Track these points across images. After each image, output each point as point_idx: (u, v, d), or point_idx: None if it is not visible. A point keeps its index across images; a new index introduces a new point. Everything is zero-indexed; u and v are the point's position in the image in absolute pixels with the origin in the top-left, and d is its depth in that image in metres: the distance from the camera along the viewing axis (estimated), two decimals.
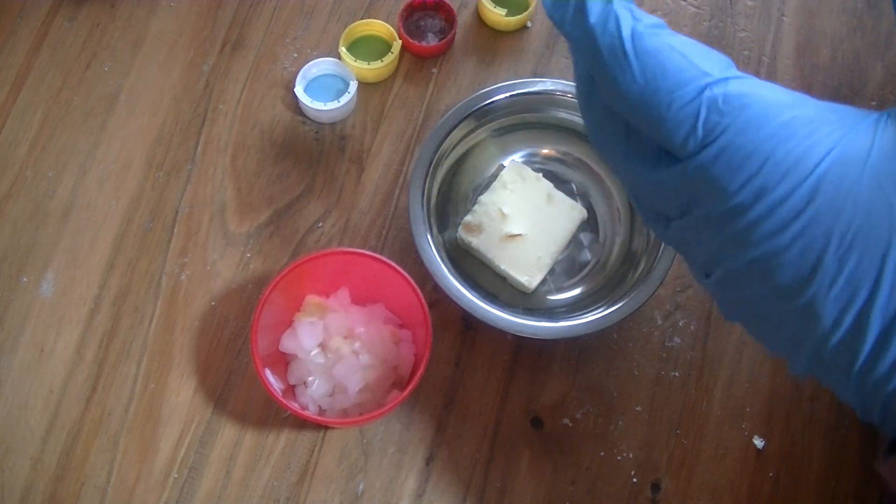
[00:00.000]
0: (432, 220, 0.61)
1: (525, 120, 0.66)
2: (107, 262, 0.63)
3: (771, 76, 0.70)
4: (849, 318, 0.35)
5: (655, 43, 0.36)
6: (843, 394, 0.37)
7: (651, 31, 0.37)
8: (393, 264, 0.56)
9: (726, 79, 0.36)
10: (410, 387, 0.54)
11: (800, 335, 0.37)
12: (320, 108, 0.65)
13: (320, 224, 0.65)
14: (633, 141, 0.39)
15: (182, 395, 0.60)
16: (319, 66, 0.68)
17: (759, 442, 0.60)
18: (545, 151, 0.67)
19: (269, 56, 0.70)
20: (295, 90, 0.66)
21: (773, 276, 0.36)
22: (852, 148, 0.34)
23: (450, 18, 0.70)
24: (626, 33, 0.36)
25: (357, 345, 0.57)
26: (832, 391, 0.38)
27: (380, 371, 0.57)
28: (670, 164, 0.38)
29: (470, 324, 0.62)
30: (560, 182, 0.65)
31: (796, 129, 0.35)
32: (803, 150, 0.34)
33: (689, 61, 0.36)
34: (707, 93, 0.36)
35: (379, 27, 0.69)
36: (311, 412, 0.56)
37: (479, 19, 0.72)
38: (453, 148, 0.64)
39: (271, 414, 0.60)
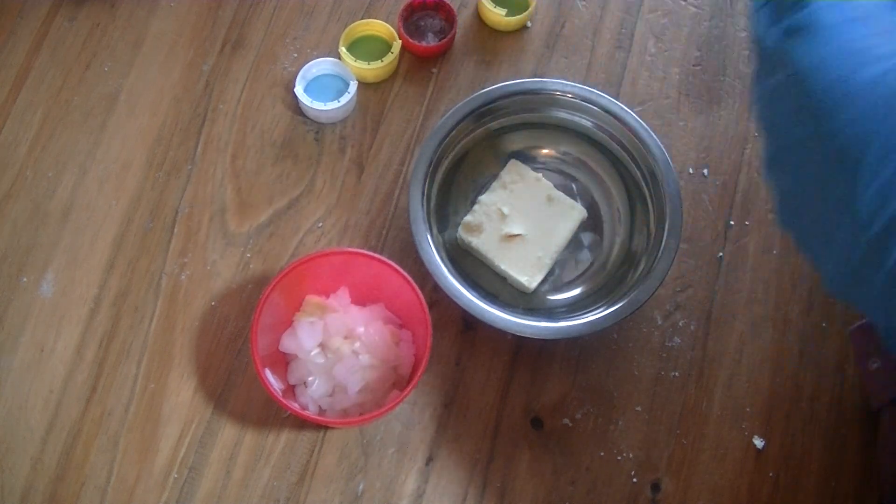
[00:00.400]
0: (432, 220, 0.61)
1: (525, 120, 0.66)
2: (107, 262, 0.63)
3: None
4: (882, 219, 0.36)
5: None
6: (869, 305, 0.39)
7: None
8: (393, 264, 0.56)
9: None
10: (410, 387, 0.54)
11: (837, 227, 0.38)
12: (320, 108, 0.65)
13: (320, 224, 0.65)
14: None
15: (182, 395, 0.60)
16: (319, 66, 0.68)
17: (759, 442, 0.60)
18: (545, 151, 0.67)
19: (269, 56, 0.70)
20: (295, 90, 0.66)
21: (820, 159, 0.38)
22: None
23: (450, 18, 0.70)
24: None
25: (357, 345, 0.57)
26: (855, 304, 0.40)
27: (380, 371, 0.57)
28: (771, 24, 0.40)
29: (470, 324, 0.62)
30: (560, 182, 0.65)
31: (875, 23, 0.37)
32: (873, 43, 0.36)
33: None
34: None
35: (379, 27, 0.69)
36: (311, 412, 0.56)
37: (479, 19, 0.72)
38: (453, 148, 0.64)
39: (271, 414, 0.60)
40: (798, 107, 0.39)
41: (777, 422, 0.61)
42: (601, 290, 0.62)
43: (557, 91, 0.64)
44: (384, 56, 0.68)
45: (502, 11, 0.69)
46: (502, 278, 0.63)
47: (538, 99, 0.64)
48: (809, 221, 0.41)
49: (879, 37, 0.37)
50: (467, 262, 0.63)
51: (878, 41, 0.37)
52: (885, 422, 0.55)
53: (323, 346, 0.58)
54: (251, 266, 0.63)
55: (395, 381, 0.58)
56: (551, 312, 0.62)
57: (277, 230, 0.65)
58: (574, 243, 0.64)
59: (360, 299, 0.60)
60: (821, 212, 0.39)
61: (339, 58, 0.68)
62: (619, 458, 0.60)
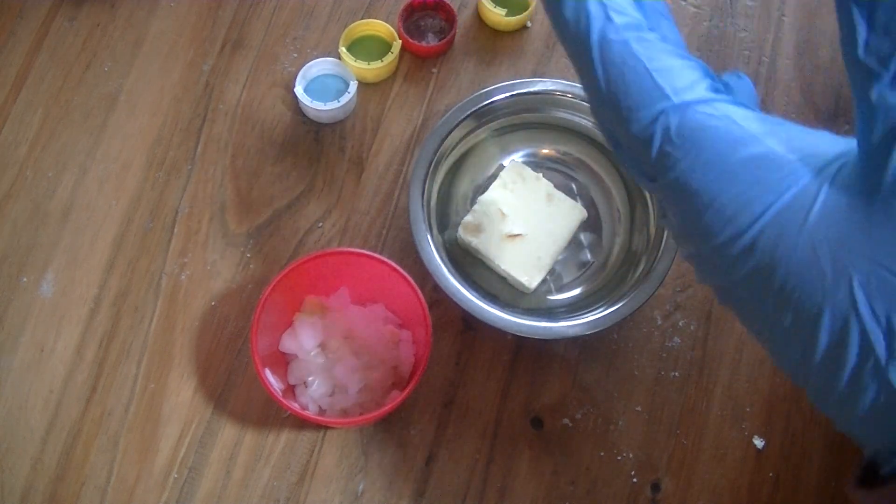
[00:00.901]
0: (432, 220, 0.61)
1: (525, 120, 0.66)
2: (107, 262, 0.63)
3: (771, 76, 0.70)
4: (796, 368, 0.34)
5: (623, 52, 0.34)
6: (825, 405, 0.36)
7: (622, 36, 0.34)
8: (393, 264, 0.56)
9: (686, 104, 0.33)
10: (410, 387, 0.54)
11: (807, 368, 0.35)
12: (320, 108, 0.65)
13: (320, 224, 0.65)
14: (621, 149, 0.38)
15: (182, 395, 0.60)
16: (319, 66, 0.68)
17: (759, 442, 0.60)
18: (545, 151, 0.67)
19: (269, 56, 0.70)
20: (295, 90, 0.66)
21: (732, 302, 0.36)
22: (796, 204, 0.32)
23: (450, 18, 0.70)
24: (594, 38, 0.34)
25: (357, 345, 0.57)
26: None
27: (380, 371, 0.57)
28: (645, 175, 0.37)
29: (470, 324, 0.62)
30: (560, 182, 0.65)
31: (745, 173, 0.32)
32: (747, 199, 0.32)
33: (652, 79, 0.33)
34: (661, 119, 0.33)
35: (379, 27, 0.69)
36: (311, 412, 0.56)
37: (479, 19, 0.72)
38: (453, 148, 0.64)
39: (271, 414, 0.60)
40: (693, 258, 0.36)
41: (777, 422, 0.61)
42: (601, 290, 0.62)
43: (557, 91, 0.64)
44: (384, 56, 0.68)
45: (502, 11, 0.69)
46: (502, 278, 0.63)
47: (538, 99, 0.64)
48: (780, 352, 0.37)
49: (753, 188, 0.33)
50: (467, 262, 0.63)
51: (752, 195, 0.33)
52: None
53: (323, 346, 0.58)
54: (251, 266, 0.63)
55: (395, 381, 0.58)
56: (551, 312, 0.62)
57: (277, 230, 0.65)
58: (574, 243, 0.64)
59: (360, 299, 0.60)
60: (786, 351, 0.35)
61: (339, 58, 0.68)
62: (619, 458, 0.60)
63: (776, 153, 0.33)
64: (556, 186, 0.64)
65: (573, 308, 0.62)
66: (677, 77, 0.34)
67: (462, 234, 0.62)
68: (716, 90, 0.34)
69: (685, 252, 0.38)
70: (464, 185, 0.65)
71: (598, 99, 0.35)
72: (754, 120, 0.33)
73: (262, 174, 0.66)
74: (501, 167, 0.65)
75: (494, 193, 0.63)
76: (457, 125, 0.62)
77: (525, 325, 0.58)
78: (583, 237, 0.64)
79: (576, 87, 0.63)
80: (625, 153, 0.37)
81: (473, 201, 0.64)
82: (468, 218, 0.63)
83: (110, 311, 0.62)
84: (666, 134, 0.33)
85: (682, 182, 0.34)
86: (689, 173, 0.33)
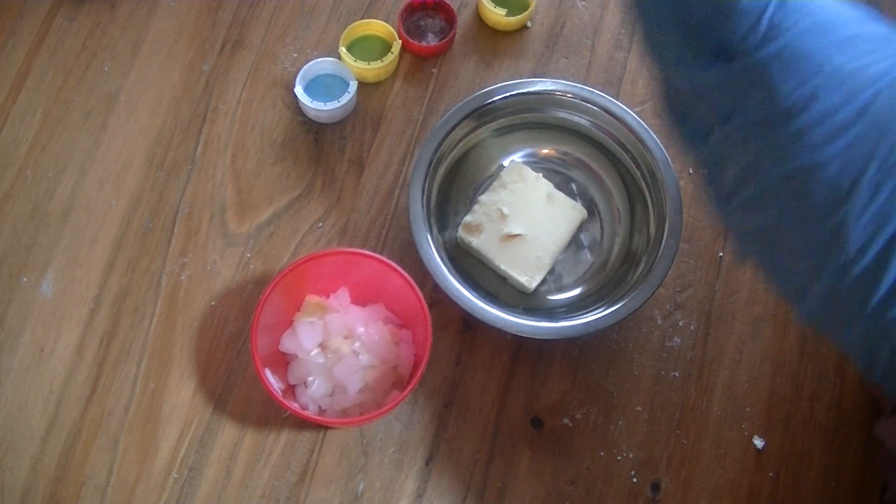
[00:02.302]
0: (432, 220, 0.61)
1: (525, 120, 0.66)
2: (107, 262, 0.63)
3: None
4: (875, 247, 0.34)
5: None
6: (848, 338, 0.37)
7: None
8: (393, 264, 0.56)
9: None
10: (410, 387, 0.54)
11: (820, 264, 0.36)
12: (320, 108, 0.65)
13: (320, 224, 0.65)
14: (690, 38, 0.40)
15: (182, 395, 0.60)
16: (319, 66, 0.68)
17: (759, 442, 0.60)
18: (545, 151, 0.67)
19: (269, 56, 0.70)
20: (295, 90, 0.66)
21: (807, 193, 0.36)
22: None
23: (450, 18, 0.70)
24: None
25: (357, 345, 0.57)
26: (833, 339, 0.38)
27: (380, 371, 0.57)
28: (725, 63, 0.38)
29: (470, 324, 0.62)
30: (560, 182, 0.65)
31: (859, 43, 0.35)
32: (861, 64, 0.35)
33: None
34: None
35: (379, 27, 0.69)
36: (311, 412, 0.56)
37: (479, 19, 0.72)
38: (453, 148, 0.64)
39: (271, 414, 0.60)
40: (777, 143, 0.36)
41: (777, 422, 0.61)
42: (601, 290, 0.62)
43: (557, 91, 0.64)
44: (384, 56, 0.68)
45: (502, 11, 0.69)
46: (502, 278, 0.63)
47: (538, 99, 0.64)
48: (782, 258, 0.38)
49: (867, 56, 0.35)
50: (467, 262, 0.63)
51: (866, 61, 0.35)
52: None
53: (323, 346, 0.58)
54: (251, 266, 0.64)
55: (395, 381, 0.58)
56: (551, 312, 0.62)
57: (277, 230, 0.65)
58: (574, 243, 0.64)
59: (360, 299, 0.60)
60: (797, 247, 0.37)
61: (339, 58, 0.68)
62: (619, 458, 0.60)
63: (886, 34, 0.36)
64: (556, 186, 0.64)
65: (573, 308, 0.62)
66: None
67: (462, 234, 0.62)
68: None
69: (750, 150, 0.39)
70: (464, 185, 0.65)
71: None
72: (859, 8, 0.37)
73: (262, 174, 0.66)
74: (501, 167, 0.65)
75: (494, 193, 0.63)
76: (457, 125, 0.62)
77: (525, 325, 0.58)
78: (583, 237, 0.64)
79: (576, 87, 0.64)
80: (701, 33, 0.39)
81: (473, 201, 0.64)
82: (468, 218, 0.63)
83: (110, 311, 0.62)
84: (782, 3, 0.36)
85: (794, 46, 0.36)
86: (802, 38, 0.36)
